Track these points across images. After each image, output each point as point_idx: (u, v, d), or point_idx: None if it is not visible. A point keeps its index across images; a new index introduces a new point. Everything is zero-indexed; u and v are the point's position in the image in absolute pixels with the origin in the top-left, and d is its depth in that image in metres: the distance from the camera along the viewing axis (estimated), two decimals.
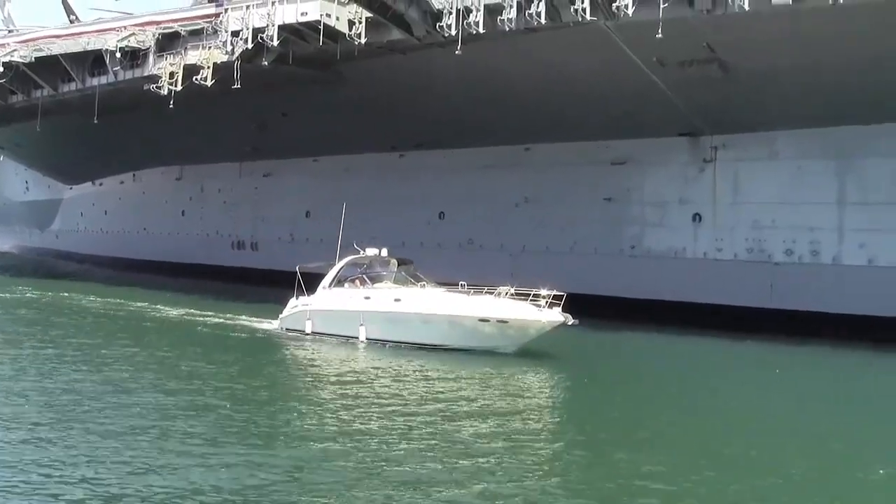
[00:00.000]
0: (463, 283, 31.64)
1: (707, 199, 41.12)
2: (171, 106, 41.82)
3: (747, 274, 39.11)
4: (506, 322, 30.06)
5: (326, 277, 34.64)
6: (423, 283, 33.25)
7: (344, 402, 22.36)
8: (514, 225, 46.45)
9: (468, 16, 33.83)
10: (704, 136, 40.71)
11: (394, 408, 21.70)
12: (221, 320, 37.94)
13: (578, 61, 36.12)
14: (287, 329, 35.05)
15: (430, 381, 25.52)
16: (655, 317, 38.91)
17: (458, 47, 34.22)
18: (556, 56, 36.03)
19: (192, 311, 40.27)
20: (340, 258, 34.90)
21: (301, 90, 44.73)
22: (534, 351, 29.95)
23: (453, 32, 34.24)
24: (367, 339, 32.51)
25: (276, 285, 52.21)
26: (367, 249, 34.87)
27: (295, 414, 20.87)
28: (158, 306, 42.03)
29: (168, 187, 69.16)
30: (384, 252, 34.88)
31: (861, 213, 37.23)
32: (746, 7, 29.80)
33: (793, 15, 30.31)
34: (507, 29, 33.59)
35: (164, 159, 66.24)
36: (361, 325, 32.67)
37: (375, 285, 33.63)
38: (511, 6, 33.09)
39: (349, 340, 32.69)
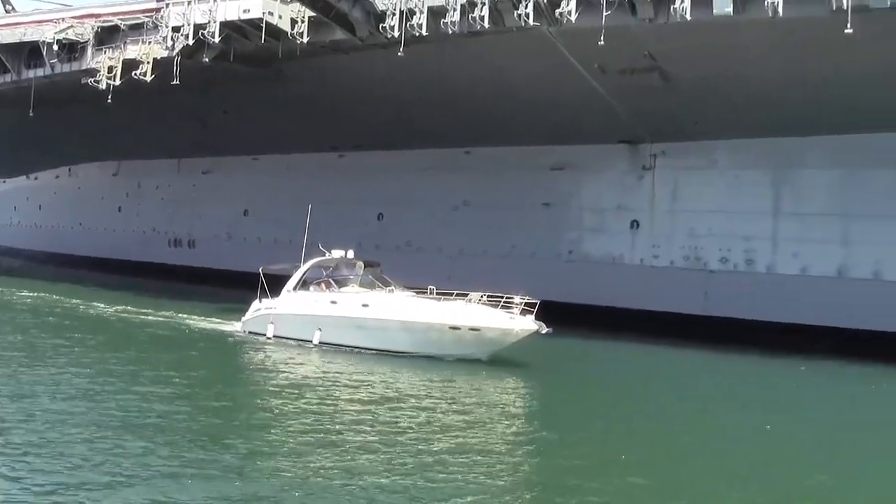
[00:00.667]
0: (432, 287, 31.01)
1: (645, 207, 41.44)
2: (109, 101, 41.36)
3: (683, 281, 39.43)
4: (478, 330, 29.40)
5: (291, 280, 33.71)
6: (391, 287, 32.37)
7: (304, 413, 21.38)
8: (452, 228, 46.50)
9: (411, 18, 33.83)
10: (644, 144, 41.04)
11: (357, 416, 21.11)
12: (179, 321, 37.24)
13: (521, 66, 36.22)
14: (249, 332, 34.07)
15: (398, 390, 24.95)
16: (592, 322, 39.09)
17: (401, 49, 34.18)
18: (498, 60, 36.09)
19: (140, 309, 39.75)
20: (305, 260, 33.98)
21: (242, 88, 44.44)
22: (504, 359, 29.34)
23: (396, 34, 34.22)
24: (327, 343, 31.58)
25: (215, 284, 52.35)
26: (333, 251, 34.08)
27: (247, 428, 19.69)
28: (98, 304, 41.67)
29: (105, 183, 68.52)
30: (350, 254, 34.15)
31: (795, 223, 37.73)
32: (688, 17, 30.04)
33: (733, 26, 30.60)
34: (451, 32, 33.60)
35: (101, 154, 65.59)
36: (319, 329, 31.83)
37: (342, 289, 32.75)
38: (454, 9, 33.12)
39: (311, 345, 31.85)
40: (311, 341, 31.99)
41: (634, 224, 41.88)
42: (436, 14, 33.71)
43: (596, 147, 41.83)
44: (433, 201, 47.33)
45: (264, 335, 33.30)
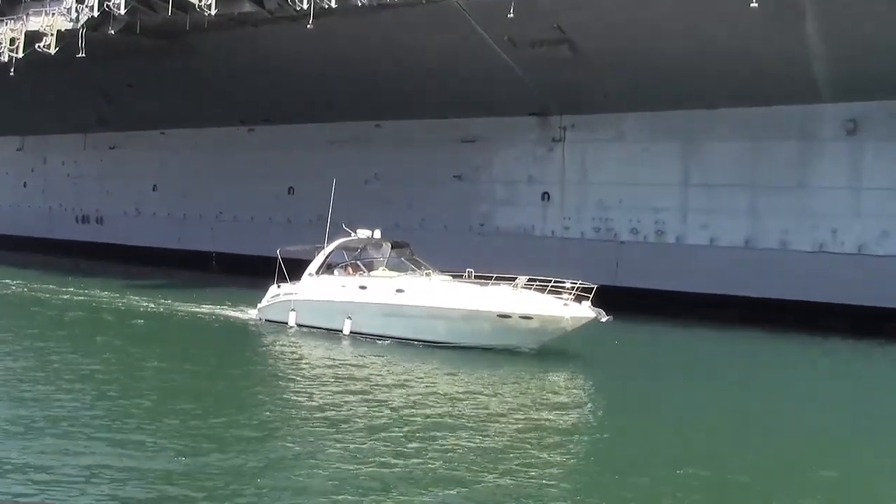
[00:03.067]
0: (470, 270, 28.52)
1: (555, 179, 41.66)
2: (11, 74, 40.52)
3: (594, 252, 39.72)
4: (530, 318, 26.71)
5: (313, 263, 31.07)
6: (427, 270, 29.52)
7: (340, 409, 19.28)
8: (363, 201, 46.24)
9: None
10: (554, 117, 41.19)
11: (403, 414, 19.12)
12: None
13: (431, 39, 36.13)
14: (267, 320, 31.57)
15: (448, 387, 22.47)
16: None
17: (310, 21, 33.96)
18: (408, 33, 35.98)
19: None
20: (327, 240, 31.44)
21: (149, 61, 43.77)
22: (556, 349, 26.97)
23: (305, 6, 34.02)
24: (358, 332, 28.96)
25: (125, 260, 51.72)
26: (359, 231, 31.48)
27: (277, 421, 18.14)
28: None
29: (8, 158, 67.20)
30: (377, 234, 31.54)
31: (704, 194, 38.20)
32: None
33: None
34: (360, 4, 33.51)
35: (4, 129, 64.20)
36: (348, 317, 29.14)
37: (371, 273, 30.12)
38: None
39: (339, 335, 29.20)
40: (340, 330, 29.36)
41: (545, 196, 42.09)
42: None
43: (506, 119, 41.91)
44: (344, 175, 47.05)
45: (285, 323, 30.74)
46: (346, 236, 31.43)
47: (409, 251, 31.07)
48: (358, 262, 30.80)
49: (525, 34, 34.41)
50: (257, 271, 46.11)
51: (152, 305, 35.21)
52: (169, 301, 35.94)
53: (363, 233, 31.38)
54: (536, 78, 37.56)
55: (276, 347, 28.38)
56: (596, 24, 33.24)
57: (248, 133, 50.99)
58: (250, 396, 20.65)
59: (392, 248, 31.05)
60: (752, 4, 28.62)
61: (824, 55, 32.35)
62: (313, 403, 19.90)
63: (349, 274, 30.51)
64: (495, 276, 27.48)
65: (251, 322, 32.05)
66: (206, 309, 34.45)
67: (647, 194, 39.20)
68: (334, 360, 25.83)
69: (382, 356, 26.31)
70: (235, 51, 40.63)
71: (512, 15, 31.39)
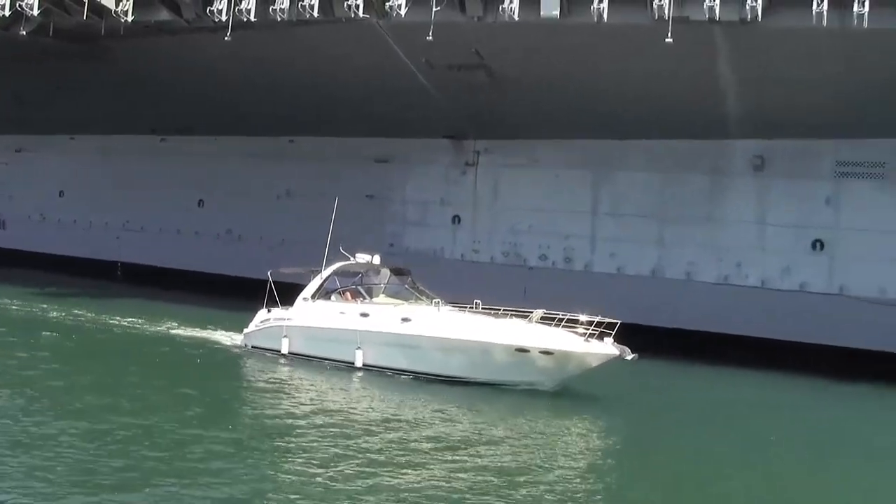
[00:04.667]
0: (477, 301, 27.17)
1: (467, 202, 41.89)
2: None
3: (502, 277, 39.93)
4: (550, 353, 25.26)
5: (309, 287, 29.45)
6: (436, 299, 27.88)
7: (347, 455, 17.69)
8: (274, 217, 46.10)
9: (240, 2, 33.47)
10: (468, 140, 41.43)
11: (414, 459, 17.81)
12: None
13: (349, 57, 36.10)
14: (254, 347, 29.73)
15: (463, 430, 21.08)
16: None
17: (228, 33, 33.79)
18: (327, 50, 35.91)
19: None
20: (324, 264, 29.85)
21: (61, 64, 43.03)
22: (576, 389, 25.72)
23: (224, 18, 33.80)
24: (365, 364, 27.27)
25: (28, 266, 50.77)
26: (358, 255, 30.12)
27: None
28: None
29: None
30: (376, 259, 30.34)
31: (613, 223, 38.71)
32: (516, 17, 30.51)
33: (559, 29, 31.17)
34: (280, 19, 33.37)
35: None
36: (358, 348, 27.25)
37: (373, 300, 28.69)
38: None
39: (341, 366, 27.49)
40: (337, 360, 27.77)
41: (456, 219, 42.30)
42: (265, 0, 33.42)
43: (421, 141, 42.02)
44: (256, 189, 46.87)
45: (277, 351, 28.96)
46: (344, 260, 29.95)
47: (411, 278, 29.57)
48: (359, 287, 29.29)
49: (443, 57, 34.55)
50: (159, 282, 46.03)
51: (71, 317, 34.21)
52: (115, 316, 34.69)
53: (362, 257, 30.11)
54: (452, 101, 37.73)
55: (269, 378, 26.36)
56: (513, 51, 33.51)
57: (159, 143, 50.44)
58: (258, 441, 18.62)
59: (392, 274, 29.71)
60: (666, 39, 29.10)
61: (735, 92, 33.03)
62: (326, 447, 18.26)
63: (348, 300, 28.94)
64: (503, 308, 26.46)
65: (236, 348, 30.21)
66: (183, 332, 32.72)
67: (557, 221, 39.56)
68: (337, 394, 24.57)
69: (389, 390, 25.10)
70: (151, 59, 40.15)
71: (431, 38, 31.53)
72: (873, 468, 20.42)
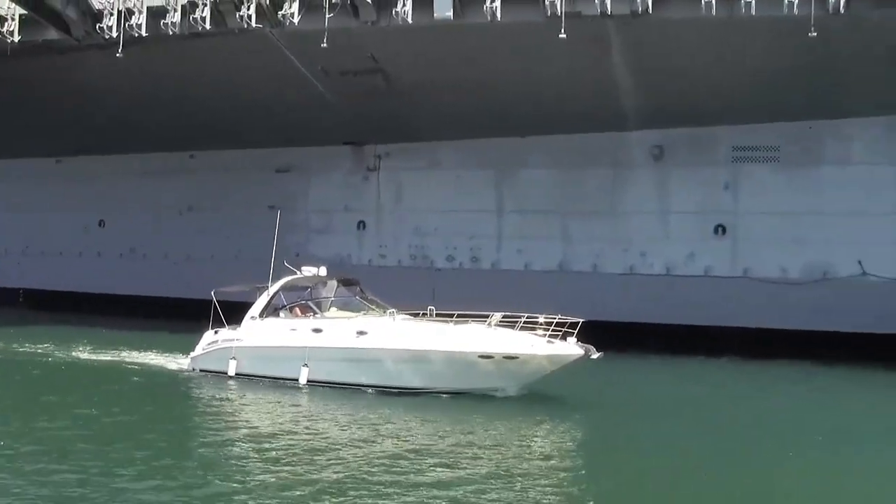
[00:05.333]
0: (431, 307, 26.14)
1: (371, 207, 41.89)
2: None
3: (410, 280, 39.96)
4: (515, 358, 24.30)
5: (256, 305, 27.80)
6: (390, 310, 26.57)
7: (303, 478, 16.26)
8: (178, 233, 45.63)
9: (130, 18, 33.05)
10: (368, 145, 41.45)
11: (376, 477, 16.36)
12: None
13: (245, 68, 35.83)
14: (201, 370, 28.02)
15: (425, 440, 19.87)
16: None
17: (120, 50, 33.34)
18: (222, 63, 35.60)
19: None
20: (273, 280, 28.06)
21: None
22: (540, 392, 24.66)
23: (114, 34, 33.34)
24: (313, 381, 25.84)
25: None
26: (304, 269, 28.62)
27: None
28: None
29: None
30: (322, 271, 28.78)
31: (518, 221, 38.99)
32: (409, 20, 30.57)
33: (453, 30, 31.29)
34: (171, 33, 33.02)
35: None
36: (305, 364, 25.93)
37: (326, 314, 27.18)
38: (175, 10, 32.61)
39: (296, 384, 25.96)
40: (292, 379, 26.20)
41: (361, 225, 42.28)
42: (156, 14, 33.00)
43: (321, 149, 41.95)
44: (158, 206, 46.33)
45: (224, 373, 27.16)
46: (291, 274, 28.31)
47: (359, 288, 28.34)
48: (309, 302, 27.78)
49: (339, 64, 34.47)
50: (63, 307, 45.17)
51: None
52: (19, 343, 32.91)
53: (308, 270, 28.58)
54: (351, 107, 37.68)
55: (216, 402, 24.51)
56: (409, 54, 33.55)
57: (55, 164, 49.56)
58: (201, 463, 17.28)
59: (340, 284, 28.23)
60: (560, 35, 29.35)
61: (630, 85, 33.45)
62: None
63: (298, 315, 27.51)
64: (457, 313, 25.32)
65: (183, 372, 28.41)
66: (124, 356, 30.90)
67: (461, 221, 39.77)
68: (291, 413, 23.04)
69: (344, 406, 23.58)
70: (41, 79, 39.38)
71: (325, 45, 31.44)
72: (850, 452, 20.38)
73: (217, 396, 24.93)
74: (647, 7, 29.39)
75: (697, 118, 34.88)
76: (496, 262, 39.40)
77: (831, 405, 26.00)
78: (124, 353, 31.34)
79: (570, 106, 34.87)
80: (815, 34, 28.20)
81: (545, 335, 24.02)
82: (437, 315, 25.81)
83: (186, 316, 38.77)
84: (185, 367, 28.65)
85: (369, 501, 14.83)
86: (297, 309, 27.66)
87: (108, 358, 30.75)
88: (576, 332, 23.79)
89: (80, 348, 32.23)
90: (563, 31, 29.26)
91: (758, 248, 35.61)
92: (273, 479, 16.02)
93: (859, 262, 34.27)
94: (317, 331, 26.27)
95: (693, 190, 36.41)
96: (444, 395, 24.65)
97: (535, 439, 20.75)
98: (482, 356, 24.34)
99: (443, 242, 40.23)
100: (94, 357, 30.96)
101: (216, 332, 28.12)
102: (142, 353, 31.21)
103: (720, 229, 36.11)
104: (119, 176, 47.08)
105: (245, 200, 43.94)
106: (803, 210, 34.83)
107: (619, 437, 21.29)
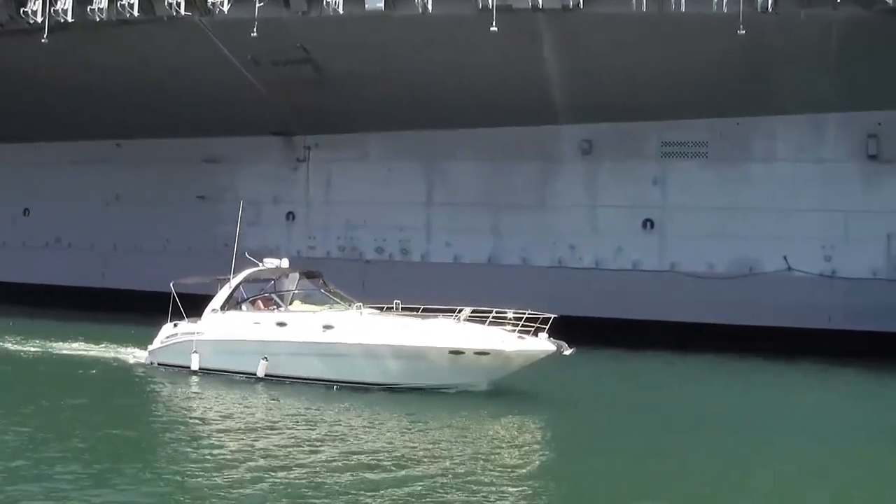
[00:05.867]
0: (397, 301, 25.55)
1: (300, 199, 41.68)
2: None
3: (340, 272, 39.74)
4: (486, 354, 23.85)
5: (217, 297, 27.05)
6: (357, 304, 26.00)
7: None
8: (105, 223, 45.07)
9: (56, 3, 32.63)
10: (298, 136, 41.21)
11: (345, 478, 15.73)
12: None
13: (174, 57, 35.55)
14: (160, 364, 27.32)
15: (402, 441, 19.11)
16: None
17: (45, 35, 32.89)
18: (150, 50, 35.28)
19: None
20: (235, 272, 27.25)
21: None
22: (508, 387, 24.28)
23: (39, 19, 32.89)
24: (277, 375, 25.25)
25: None
26: (266, 260, 27.95)
27: None
28: None
29: None
30: (284, 262, 28.22)
31: (447, 213, 39.00)
32: (340, 11, 30.57)
33: (385, 21, 31.27)
34: (98, 19, 32.64)
35: None
36: (264, 358, 25.30)
37: (290, 307, 26.45)
38: None
39: (261, 380, 25.26)
40: (251, 374, 25.48)
41: (290, 216, 42.05)
42: (82, 0, 32.64)
43: (250, 139, 41.57)
44: (84, 196, 45.71)
45: (186, 367, 26.45)
46: (253, 266, 27.59)
47: (322, 280, 27.57)
48: (272, 294, 27.02)
49: (269, 54, 34.33)
50: None
51: None
52: None
53: (270, 262, 27.88)
54: (280, 98, 37.51)
55: (179, 398, 23.98)
56: (339, 44, 33.47)
57: None
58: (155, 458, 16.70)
59: (303, 277, 27.69)
60: (491, 28, 29.44)
61: (560, 78, 33.60)
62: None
63: (260, 308, 26.91)
64: (422, 307, 24.90)
65: (140, 367, 27.55)
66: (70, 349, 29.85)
67: (391, 213, 39.68)
68: (252, 410, 22.53)
69: (308, 403, 22.84)
70: None
71: (255, 34, 31.28)
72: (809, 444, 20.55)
73: (178, 392, 24.52)
74: (579, 2, 29.61)
75: (627, 113, 35.06)
76: (426, 254, 39.38)
77: (758, 398, 26.20)
78: (56, 345, 30.63)
79: (501, 99, 34.93)
80: (744, 32, 28.60)
81: (514, 331, 23.69)
82: (402, 309, 25.29)
83: (113, 307, 38.54)
84: (143, 360, 27.94)
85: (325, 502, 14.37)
86: (260, 302, 27.07)
87: (38, 349, 30.01)
88: (546, 327, 23.52)
89: (11, 340, 31.30)
90: (494, 24, 29.41)
91: (685, 242, 35.89)
92: (226, 481, 15.27)
93: (784, 258, 34.72)
94: (281, 324, 25.70)
95: (622, 184, 36.61)
96: (412, 391, 24.04)
97: (501, 434, 20.41)
98: (453, 352, 23.88)
99: (372, 234, 40.13)
100: (23, 349, 30.13)
101: (175, 325, 27.43)
102: (72, 344, 30.63)
103: (648, 224, 36.37)
104: (45, 164, 46.33)
105: (173, 191, 43.53)
106: (730, 205, 35.13)
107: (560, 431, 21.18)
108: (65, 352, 29.66)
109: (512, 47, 31.58)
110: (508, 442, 19.61)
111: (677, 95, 33.73)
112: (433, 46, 32.61)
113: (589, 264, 36.95)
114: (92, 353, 29.41)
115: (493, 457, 17.76)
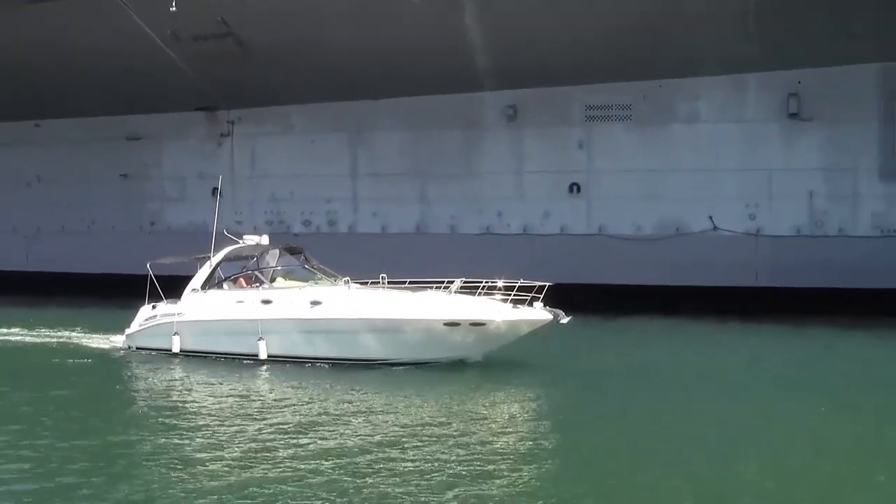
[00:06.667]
0: (383, 275, 24.50)
1: (226, 174, 41.29)
2: None
3: None
4: (482, 325, 23.54)
5: (197, 276, 26.38)
6: (344, 278, 25.25)
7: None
8: (26, 206, 44.40)
9: None
10: (221, 111, 40.88)
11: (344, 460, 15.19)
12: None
13: (92, 33, 35.11)
14: (139, 348, 26.53)
15: (399, 418, 18.54)
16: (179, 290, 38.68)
17: None
18: (66, 28, 34.82)
19: None
20: (215, 250, 26.51)
21: None
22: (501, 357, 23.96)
23: None
24: (272, 356, 24.56)
25: None
26: (246, 237, 27.37)
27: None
28: None
29: None
30: (264, 239, 27.53)
31: (373, 184, 38.96)
32: None
33: None
34: None
35: None
36: (261, 338, 24.60)
37: (273, 284, 25.71)
38: None
39: (247, 360, 24.55)
40: (238, 355, 24.91)
41: (216, 191, 41.72)
42: None
43: (173, 115, 41.20)
44: (3, 177, 44.99)
45: (167, 350, 25.73)
46: (233, 244, 26.92)
47: (304, 256, 26.75)
48: (256, 272, 26.03)
49: (189, 28, 34.04)
50: None
51: None
52: None
53: (251, 238, 27.27)
54: (202, 73, 37.24)
55: (160, 383, 22.86)
56: (260, 17, 33.33)
57: None
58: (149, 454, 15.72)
59: (285, 253, 26.79)
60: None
61: (482, 45, 33.63)
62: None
63: (243, 287, 26.07)
64: (409, 280, 24.47)
65: (117, 351, 26.79)
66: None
67: (317, 186, 39.59)
68: (241, 392, 21.39)
69: (300, 381, 22.32)
70: None
71: (174, 9, 30.99)
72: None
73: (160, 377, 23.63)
74: None
75: (550, 78, 35.18)
76: (353, 225, 39.35)
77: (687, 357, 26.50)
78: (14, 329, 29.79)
79: (423, 67, 34.90)
80: None
81: (506, 301, 23.43)
82: (388, 283, 24.63)
83: (38, 291, 37.90)
84: (120, 344, 27.15)
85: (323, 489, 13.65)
86: (242, 280, 26.29)
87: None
88: (542, 296, 23.30)
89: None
90: None
91: (612, 205, 36.14)
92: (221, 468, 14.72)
93: (710, 218, 35.09)
94: (266, 302, 25.02)
95: (547, 149, 36.75)
96: (404, 365, 23.77)
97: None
98: (448, 324, 23.51)
99: (299, 207, 40.04)
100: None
101: (154, 307, 26.72)
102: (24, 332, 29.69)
103: (575, 188, 36.56)
104: None
105: (96, 170, 43.01)
106: (656, 167, 35.42)
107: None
108: (17, 339, 28.62)
109: (433, 15, 31.60)
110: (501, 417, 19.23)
111: (599, 58, 33.89)
112: (353, 16, 32.54)
113: (517, 230, 37.10)
114: (61, 339, 28.37)
115: (488, 432, 17.34)
